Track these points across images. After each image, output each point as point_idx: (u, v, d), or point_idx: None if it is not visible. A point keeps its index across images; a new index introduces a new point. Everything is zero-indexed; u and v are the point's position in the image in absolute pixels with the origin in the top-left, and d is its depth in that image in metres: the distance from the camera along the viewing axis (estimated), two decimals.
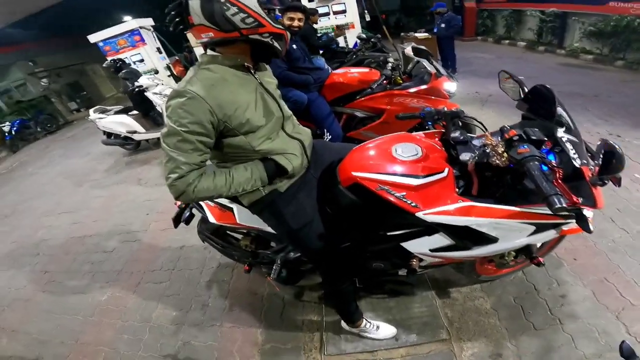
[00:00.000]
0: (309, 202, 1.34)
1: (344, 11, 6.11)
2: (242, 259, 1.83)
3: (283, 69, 2.67)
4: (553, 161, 1.08)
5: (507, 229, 1.24)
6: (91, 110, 5.18)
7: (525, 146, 1.06)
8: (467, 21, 9.63)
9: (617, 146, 1.02)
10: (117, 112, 5.10)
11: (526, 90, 1.40)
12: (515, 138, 1.11)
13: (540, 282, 1.84)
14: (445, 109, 1.49)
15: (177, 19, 1.03)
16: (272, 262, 1.66)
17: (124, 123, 4.88)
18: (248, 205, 1.33)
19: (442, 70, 2.80)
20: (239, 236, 1.80)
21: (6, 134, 8.99)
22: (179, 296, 2.27)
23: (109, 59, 5.49)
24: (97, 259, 2.92)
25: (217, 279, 2.31)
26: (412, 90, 2.75)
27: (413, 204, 1.19)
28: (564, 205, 0.89)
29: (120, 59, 5.44)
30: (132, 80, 4.81)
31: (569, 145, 1.12)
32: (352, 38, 6.04)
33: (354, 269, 1.60)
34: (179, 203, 1.73)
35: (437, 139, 1.47)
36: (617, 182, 1.17)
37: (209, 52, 1.13)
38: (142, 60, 6.85)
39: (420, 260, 1.44)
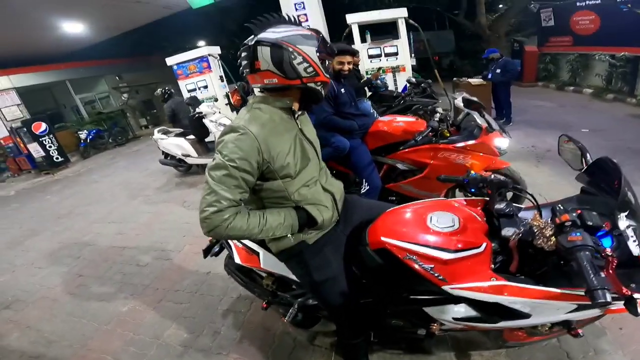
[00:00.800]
0: (335, 258, 1.34)
1: (396, 53, 6.06)
2: (262, 296, 1.85)
3: (329, 113, 2.63)
4: (608, 249, 1.00)
5: (544, 307, 1.17)
6: (155, 130, 5.69)
7: (578, 233, 1.00)
8: (526, 66, 9.19)
9: None
10: (176, 135, 5.52)
11: (589, 160, 1.30)
12: (568, 224, 1.04)
13: (575, 350, 1.69)
14: (492, 177, 1.38)
15: (247, 62, 1.10)
16: (290, 304, 1.66)
17: (180, 146, 5.24)
18: (276, 253, 1.35)
19: (494, 125, 2.63)
20: (263, 274, 1.83)
21: (82, 141, 10.01)
22: (195, 319, 2.31)
23: (159, 89, 5.90)
24: (129, 270, 3.08)
25: (234, 309, 2.33)
26: (459, 145, 2.59)
27: (440, 277, 1.16)
28: (608, 299, 0.86)
29: (169, 89, 5.81)
30: (194, 106, 5.24)
31: (629, 232, 1.05)
32: (402, 81, 6.03)
33: (371, 323, 1.55)
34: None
35: (479, 208, 1.41)
36: None
37: (259, 93, 1.19)
38: (206, 87, 7.23)
39: (442, 324, 1.38)
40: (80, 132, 10.27)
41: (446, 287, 1.16)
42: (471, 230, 1.23)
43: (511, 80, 5.73)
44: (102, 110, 12.78)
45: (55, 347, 2.31)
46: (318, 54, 1.09)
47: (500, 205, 1.28)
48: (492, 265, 1.20)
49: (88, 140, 10.12)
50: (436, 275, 1.16)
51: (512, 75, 5.68)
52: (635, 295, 1.04)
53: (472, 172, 1.48)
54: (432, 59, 5.96)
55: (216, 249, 1.83)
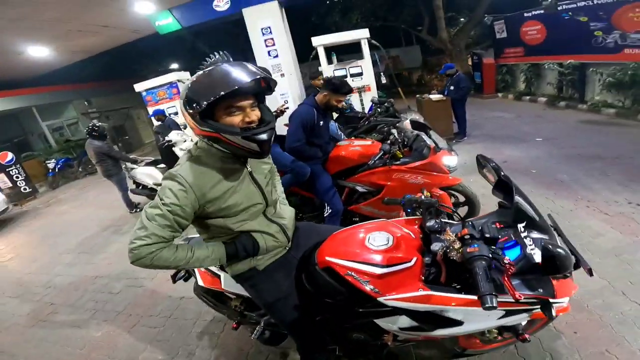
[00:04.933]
0: (285, 281, 1.44)
1: (360, 73, 6.28)
2: (232, 317, 1.94)
3: (302, 142, 2.68)
4: (507, 258, 1.15)
5: (472, 314, 1.29)
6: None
7: (476, 245, 1.15)
8: (485, 77, 9.68)
9: (559, 250, 1.12)
10: (147, 164, 5.45)
11: (501, 176, 1.44)
12: (467, 237, 1.20)
13: (533, 356, 1.80)
14: (423, 198, 1.54)
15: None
16: (257, 323, 1.76)
17: (151, 175, 5.19)
18: (232, 276, 1.45)
19: (441, 144, 2.79)
20: (232, 296, 1.90)
21: (50, 171, 9.66)
22: (169, 342, 2.36)
23: (90, 124, 5.47)
24: (102, 298, 3.11)
25: (208, 331, 2.38)
26: (411, 165, 2.71)
27: (375, 290, 1.29)
28: (494, 305, 0.99)
29: (96, 125, 5.28)
30: (163, 134, 5.22)
31: (527, 242, 1.22)
32: (368, 101, 6.16)
33: (333, 339, 1.64)
34: None
35: (416, 226, 1.56)
36: (589, 272, 1.25)
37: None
38: (176, 113, 7.16)
39: (396, 336, 1.51)
40: (49, 162, 9.95)
41: (381, 299, 1.28)
42: (404, 247, 1.37)
43: (464, 96, 5.90)
44: (70, 137, 12.44)
45: None
46: (184, 107, 1.08)
47: (430, 223, 1.41)
48: (423, 277, 1.33)
49: (57, 170, 9.80)
50: (371, 288, 1.29)
51: (464, 92, 5.85)
52: (556, 300, 1.21)
53: (425, 191, 1.63)
54: (394, 77, 6.19)
55: (183, 274, 1.90)
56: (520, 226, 1.28)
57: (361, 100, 6.36)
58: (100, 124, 5.37)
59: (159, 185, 4.61)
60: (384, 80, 6.76)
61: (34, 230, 5.97)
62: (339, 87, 2.65)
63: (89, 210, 6.45)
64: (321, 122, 2.76)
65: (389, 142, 2.82)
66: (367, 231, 1.47)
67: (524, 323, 1.51)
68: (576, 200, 3.27)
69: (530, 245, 1.21)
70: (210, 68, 1.08)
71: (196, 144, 1.23)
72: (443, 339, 1.72)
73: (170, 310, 2.70)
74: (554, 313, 1.16)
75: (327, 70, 6.23)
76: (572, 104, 6.96)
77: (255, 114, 1.13)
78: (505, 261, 1.13)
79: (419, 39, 14.03)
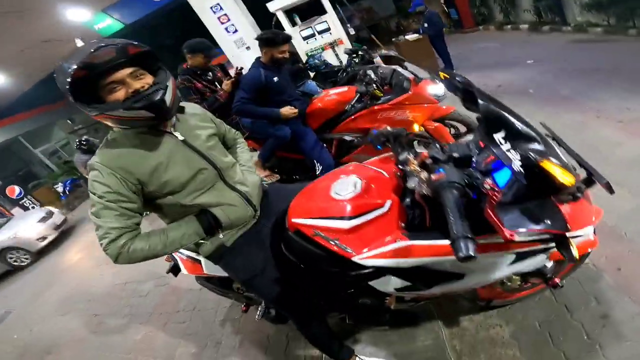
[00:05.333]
0: (259, 253, 1.35)
1: (327, 29, 6.07)
2: (239, 299, 1.93)
3: (241, 102, 2.59)
4: (488, 181, 0.89)
5: (470, 264, 1.00)
6: None
7: (441, 170, 0.92)
8: (462, 12, 9.42)
9: (542, 156, 0.81)
10: None
11: (459, 83, 1.09)
12: (428, 161, 0.98)
13: (574, 302, 1.55)
14: (388, 129, 1.31)
15: None
16: (260, 303, 1.70)
17: None
18: (206, 257, 1.39)
19: (421, 74, 2.67)
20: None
21: (61, 195, 9.76)
22: (197, 335, 2.49)
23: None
24: (134, 302, 3.31)
25: (229, 317, 2.47)
26: (394, 101, 2.58)
27: (348, 249, 1.08)
28: (470, 253, 0.75)
29: (84, 139, 5.18)
30: None
31: (511, 155, 0.87)
32: (344, 54, 5.98)
33: (338, 307, 1.53)
34: (166, 256, 1.77)
35: (394, 164, 1.30)
36: (608, 189, 0.91)
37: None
38: None
39: (401, 297, 1.34)
40: (56, 186, 10.02)
41: (355, 259, 1.08)
42: (376, 190, 1.16)
43: (440, 31, 5.77)
44: (68, 158, 12.39)
45: None
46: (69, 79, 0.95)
47: (402, 156, 1.20)
48: (405, 224, 1.12)
49: (67, 192, 9.86)
50: (343, 247, 1.09)
51: (438, 27, 5.73)
52: (575, 233, 0.96)
53: (416, 125, 1.42)
54: (365, 27, 5.92)
55: (172, 264, 1.82)
56: (499, 137, 0.92)
57: (336, 55, 6.15)
58: (89, 138, 5.27)
59: None
60: (352, 32, 6.45)
61: (66, 249, 6.25)
62: (273, 39, 2.58)
63: None
64: (275, 79, 2.64)
65: (363, 82, 2.71)
66: (332, 179, 1.27)
67: (549, 265, 1.24)
68: (584, 112, 3.08)
69: (517, 159, 0.86)
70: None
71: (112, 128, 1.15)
72: (459, 294, 1.53)
73: (193, 303, 2.81)
74: (574, 252, 0.85)
75: (293, 32, 5.91)
76: (556, 27, 6.70)
77: (140, 82, 1.06)
78: (487, 185, 0.89)
79: None
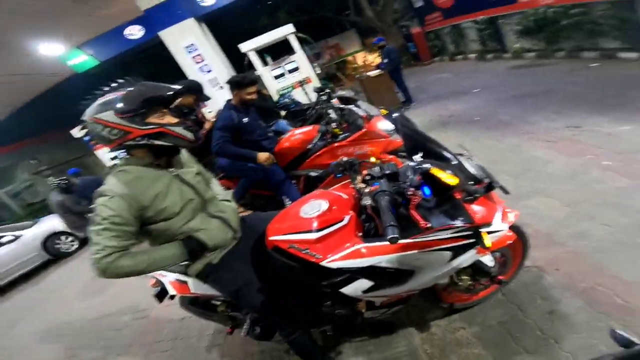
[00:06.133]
0: (243, 268, 1.53)
1: (296, 68, 6.38)
2: (223, 322, 2.00)
3: (219, 142, 2.72)
4: (411, 189, 1.19)
5: (418, 261, 1.33)
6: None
7: (377, 183, 1.22)
8: (419, 46, 10.24)
9: (427, 165, 1.19)
10: None
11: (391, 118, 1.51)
12: (367, 178, 1.29)
13: (524, 301, 1.75)
14: (344, 160, 1.60)
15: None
16: (245, 321, 1.78)
17: None
18: (194, 277, 1.56)
19: (373, 112, 2.93)
20: (217, 302, 1.91)
21: None
22: None
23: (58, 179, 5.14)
24: (112, 335, 3.24)
25: (214, 343, 2.50)
26: (350, 139, 2.81)
27: (317, 256, 1.33)
28: (396, 235, 1.01)
29: (64, 179, 5.07)
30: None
31: (415, 167, 1.26)
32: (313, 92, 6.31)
33: (320, 320, 1.70)
34: (153, 282, 1.88)
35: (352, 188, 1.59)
36: (503, 191, 1.30)
37: (123, 155, 1.38)
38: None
39: (372, 303, 1.55)
40: None
41: (323, 263, 1.32)
42: (337, 208, 1.43)
43: (397, 66, 6.16)
44: (32, 201, 11.89)
45: None
46: (119, 115, 1.21)
47: (356, 181, 1.49)
48: (362, 234, 1.39)
49: None
50: (312, 254, 1.33)
51: (396, 62, 6.12)
52: (488, 228, 1.26)
53: (373, 158, 1.69)
54: (332, 64, 6.26)
55: (159, 288, 1.87)
56: (417, 157, 1.34)
57: (306, 93, 6.44)
58: (69, 178, 5.19)
59: None
60: (318, 70, 6.83)
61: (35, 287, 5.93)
62: (240, 81, 2.77)
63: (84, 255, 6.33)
64: (245, 119, 2.83)
65: (324, 122, 2.98)
66: (302, 203, 1.55)
67: (491, 264, 1.57)
68: (520, 135, 3.51)
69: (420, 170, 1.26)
70: (134, 87, 1.28)
71: (114, 164, 1.37)
72: (425, 298, 1.79)
73: (175, 331, 2.83)
74: (486, 242, 1.18)
75: (264, 72, 6.21)
76: (498, 55, 7.52)
77: (174, 117, 1.34)
78: (409, 192, 1.18)
79: (352, 23, 14.25)
